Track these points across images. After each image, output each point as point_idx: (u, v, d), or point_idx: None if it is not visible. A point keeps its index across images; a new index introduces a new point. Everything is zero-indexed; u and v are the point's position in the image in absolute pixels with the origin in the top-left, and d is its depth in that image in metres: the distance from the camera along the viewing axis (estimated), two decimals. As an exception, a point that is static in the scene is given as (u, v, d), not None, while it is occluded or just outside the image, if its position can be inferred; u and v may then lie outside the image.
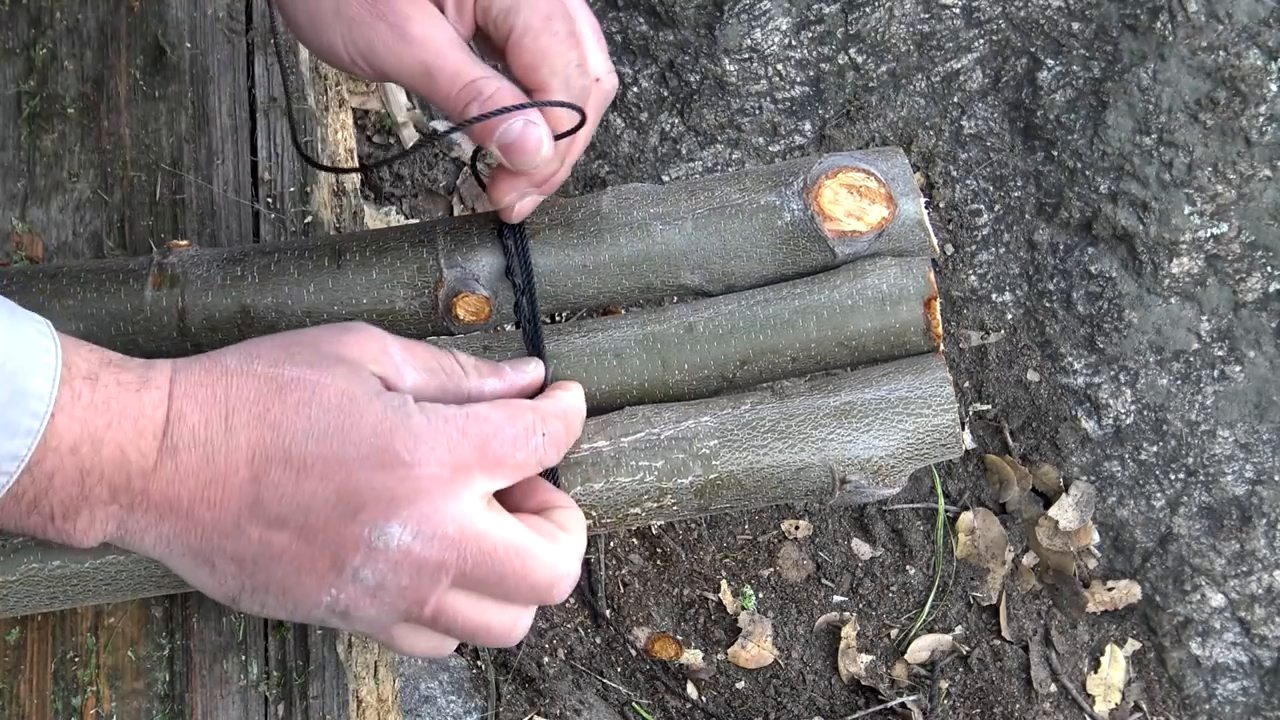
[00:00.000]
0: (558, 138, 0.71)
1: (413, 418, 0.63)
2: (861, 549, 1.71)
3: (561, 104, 0.70)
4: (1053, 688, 1.68)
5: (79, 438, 0.62)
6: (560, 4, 0.71)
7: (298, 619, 0.66)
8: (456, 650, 1.55)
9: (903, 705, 1.64)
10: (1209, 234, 1.65)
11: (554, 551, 0.66)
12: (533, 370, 0.74)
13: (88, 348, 0.64)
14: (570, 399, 0.72)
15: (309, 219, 0.95)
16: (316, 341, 0.66)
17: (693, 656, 1.63)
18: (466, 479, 0.64)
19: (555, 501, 0.70)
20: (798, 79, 1.71)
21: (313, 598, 0.64)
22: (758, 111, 1.71)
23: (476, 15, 0.71)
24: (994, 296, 1.74)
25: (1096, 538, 1.72)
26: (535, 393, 0.74)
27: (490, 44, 0.73)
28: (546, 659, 1.58)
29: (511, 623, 0.67)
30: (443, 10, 0.71)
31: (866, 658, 1.67)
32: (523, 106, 0.69)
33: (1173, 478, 1.69)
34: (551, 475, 0.73)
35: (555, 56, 0.70)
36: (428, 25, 0.69)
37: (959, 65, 1.72)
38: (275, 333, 0.69)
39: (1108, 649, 1.70)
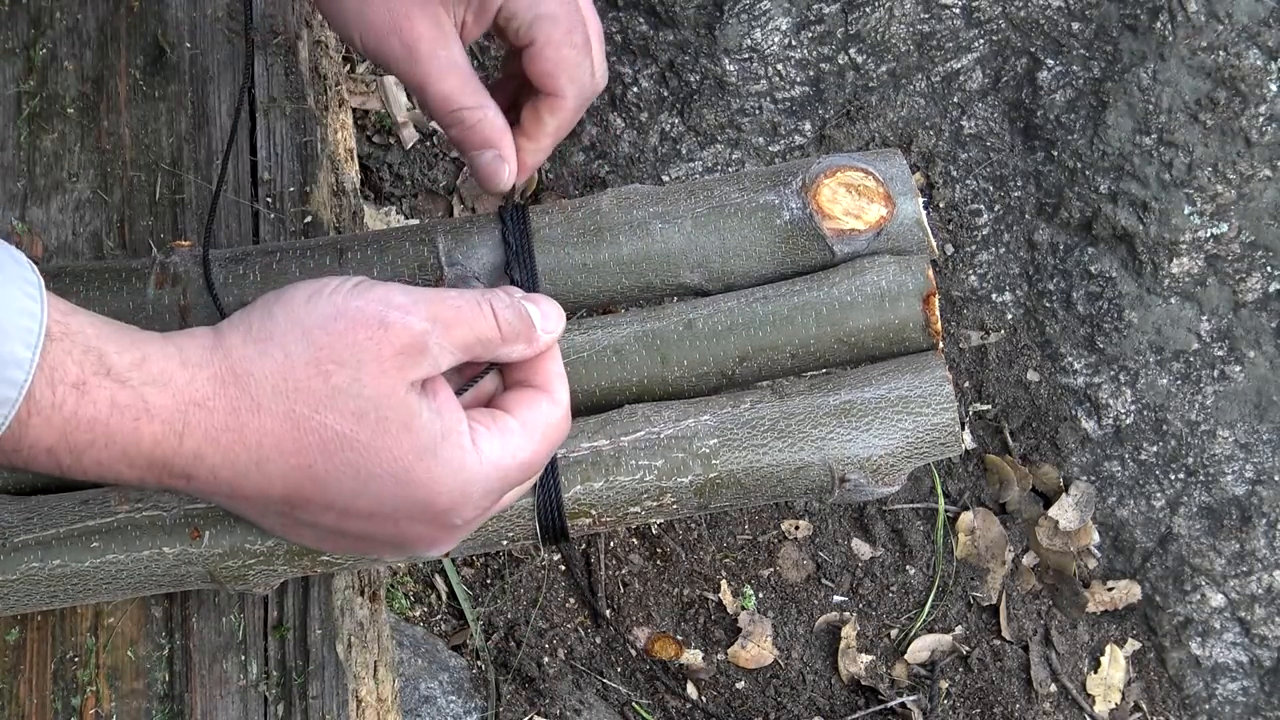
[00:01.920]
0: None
1: (471, 484, 0.63)
2: (861, 549, 1.71)
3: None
4: (1053, 688, 1.68)
5: (56, 444, 0.58)
6: (578, 16, 0.77)
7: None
8: (457, 650, 1.55)
9: (903, 705, 1.64)
10: (1209, 234, 1.65)
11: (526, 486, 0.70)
12: (556, 325, 0.70)
13: (82, 348, 0.58)
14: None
15: (308, 219, 0.95)
16: (356, 358, 0.60)
17: (693, 656, 1.63)
18: (500, 503, 0.67)
19: (537, 400, 0.68)
20: (798, 79, 1.71)
21: (331, 549, 0.69)
22: (758, 111, 1.71)
23: (498, 22, 0.77)
24: (994, 296, 1.74)
25: (1096, 538, 1.72)
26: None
27: (506, 43, 0.80)
28: (546, 659, 1.58)
29: None
30: (457, 12, 0.77)
31: (866, 658, 1.67)
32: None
33: (1173, 478, 1.69)
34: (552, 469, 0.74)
35: (574, 66, 0.77)
36: (435, 46, 0.76)
37: (959, 65, 1.72)
38: (297, 319, 0.61)
39: (1108, 649, 1.70)
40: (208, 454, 0.59)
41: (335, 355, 0.60)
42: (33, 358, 0.56)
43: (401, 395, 0.61)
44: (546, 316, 0.69)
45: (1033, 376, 1.73)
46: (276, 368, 0.60)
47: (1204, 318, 1.67)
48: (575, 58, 0.77)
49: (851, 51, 1.71)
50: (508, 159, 0.78)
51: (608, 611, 1.63)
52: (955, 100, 1.73)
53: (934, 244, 0.80)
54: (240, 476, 0.60)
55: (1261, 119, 1.61)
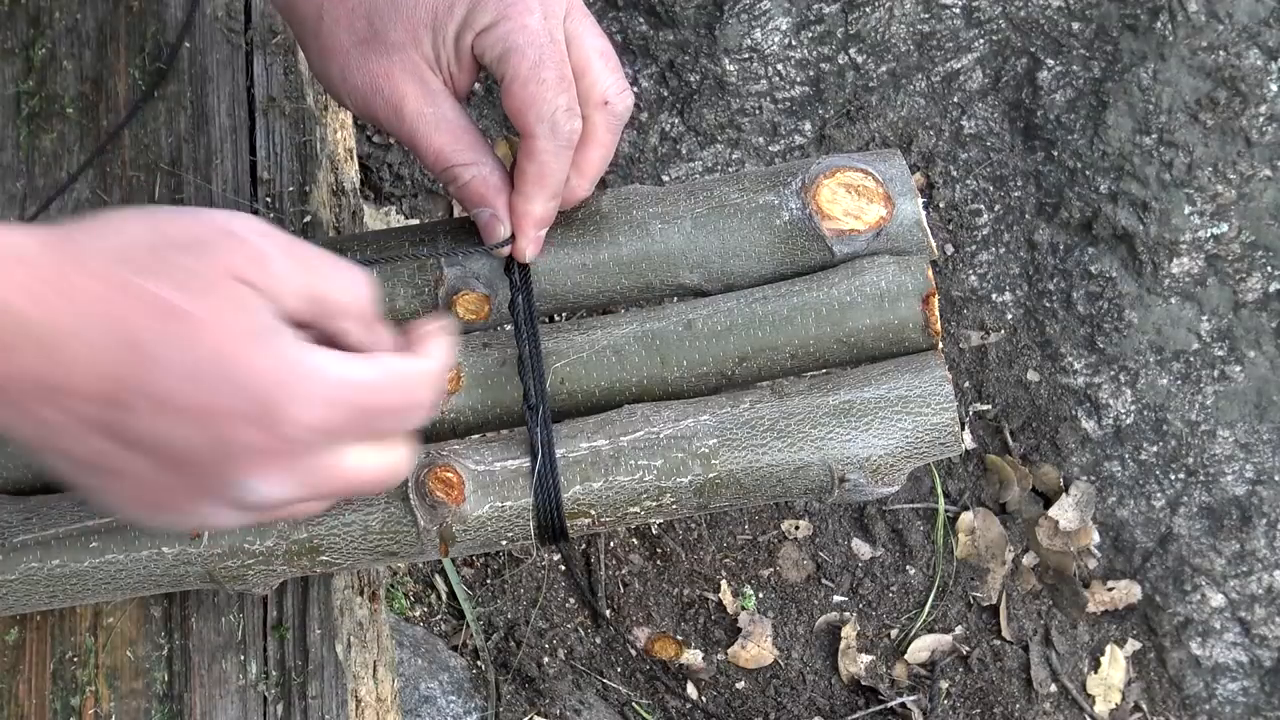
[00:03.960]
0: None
1: (303, 380, 0.56)
2: (861, 549, 1.71)
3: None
4: (1053, 688, 1.68)
5: None
6: (550, 49, 0.73)
7: (117, 511, 0.62)
8: (457, 650, 1.55)
9: (903, 705, 1.64)
10: (1209, 234, 1.65)
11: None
12: (435, 359, 0.62)
13: None
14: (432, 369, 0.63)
15: (308, 219, 0.95)
16: (198, 245, 0.56)
17: (693, 656, 1.63)
18: (338, 440, 0.60)
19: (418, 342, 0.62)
20: (798, 79, 1.71)
21: (150, 511, 0.61)
22: (758, 111, 1.71)
23: (478, 62, 0.74)
24: (994, 296, 1.74)
25: (1096, 538, 1.72)
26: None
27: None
28: (546, 659, 1.58)
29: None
30: (439, 65, 0.74)
31: (866, 658, 1.67)
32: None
33: (1173, 478, 1.69)
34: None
35: (542, 104, 0.72)
36: (420, 104, 0.73)
37: (959, 65, 1.72)
38: (146, 210, 0.58)
39: (1108, 649, 1.70)
40: (27, 309, 0.53)
41: (176, 242, 0.56)
42: None
43: (238, 288, 0.56)
44: (423, 343, 0.62)
45: (1033, 376, 1.73)
46: (110, 242, 0.56)
47: (1204, 318, 1.67)
48: (544, 94, 0.72)
49: (851, 51, 1.71)
50: (502, 218, 0.76)
51: (608, 611, 1.63)
52: (955, 100, 1.73)
53: (934, 244, 0.80)
54: (59, 347, 0.54)
55: (1261, 119, 1.61)
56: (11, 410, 0.56)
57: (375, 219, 1.69)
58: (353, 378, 0.58)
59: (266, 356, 0.56)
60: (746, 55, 1.69)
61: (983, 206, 1.74)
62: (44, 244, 0.55)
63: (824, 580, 1.70)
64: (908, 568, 1.71)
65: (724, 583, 1.67)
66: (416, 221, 1.70)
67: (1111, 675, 1.69)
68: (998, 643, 1.69)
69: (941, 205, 1.73)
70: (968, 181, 1.73)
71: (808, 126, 1.72)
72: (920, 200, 0.80)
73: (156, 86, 0.95)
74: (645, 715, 1.59)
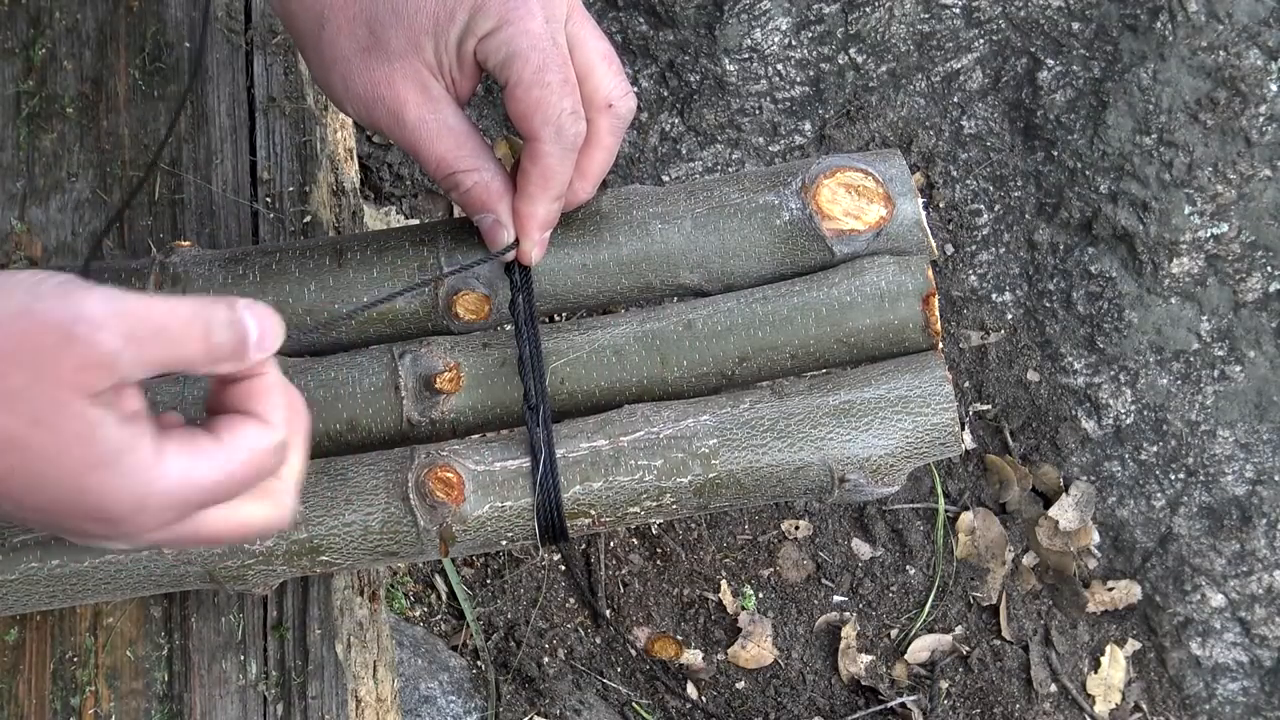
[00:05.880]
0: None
1: (149, 498, 0.58)
2: (861, 549, 1.71)
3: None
4: (1053, 688, 1.68)
5: None
6: (552, 54, 0.73)
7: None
8: (457, 650, 1.55)
9: (903, 705, 1.64)
10: (1209, 234, 1.65)
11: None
12: (272, 344, 0.62)
13: None
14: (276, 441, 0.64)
15: (308, 219, 0.95)
16: (37, 373, 0.57)
17: (693, 656, 1.63)
18: (173, 521, 0.61)
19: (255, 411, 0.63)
20: (798, 79, 1.71)
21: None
22: (758, 111, 1.71)
23: (480, 67, 0.74)
24: (994, 296, 1.74)
25: (1096, 538, 1.72)
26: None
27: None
28: (546, 659, 1.58)
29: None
30: (441, 71, 0.74)
31: (866, 658, 1.67)
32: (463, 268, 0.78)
33: (1173, 478, 1.69)
34: None
35: (547, 108, 0.73)
36: (422, 110, 0.74)
37: (959, 65, 1.72)
38: None
39: (1108, 649, 1.70)
40: None
41: (15, 357, 0.56)
42: None
43: (78, 409, 0.57)
44: (264, 335, 0.62)
45: (1033, 376, 1.73)
46: None
47: (1204, 318, 1.67)
48: (548, 99, 0.72)
49: (851, 51, 1.71)
50: (505, 223, 0.76)
51: (608, 611, 1.63)
52: (955, 100, 1.73)
53: (934, 244, 0.80)
54: None
55: (1261, 119, 1.61)
56: None
57: (375, 219, 1.69)
58: (197, 480, 0.60)
59: (111, 482, 0.58)
60: (746, 55, 1.69)
61: (983, 206, 1.74)
62: None
63: (824, 580, 1.70)
64: (908, 568, 1.71)
65: (724, 583, 1.67)
66: (416, 221, 1.70)
67: (1111, 675, 1.69)
68: (998, 643, 1.69)
69: (941, 205, 1.73)
70: (968, 181, 1.73)
71: (808, 126, 1.72)
72: (920, 200, 0.80)
73: (171, 85, 0.95)
74: (645, 715, 1.59)
